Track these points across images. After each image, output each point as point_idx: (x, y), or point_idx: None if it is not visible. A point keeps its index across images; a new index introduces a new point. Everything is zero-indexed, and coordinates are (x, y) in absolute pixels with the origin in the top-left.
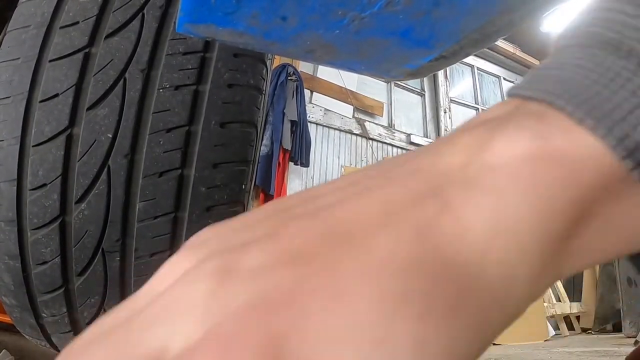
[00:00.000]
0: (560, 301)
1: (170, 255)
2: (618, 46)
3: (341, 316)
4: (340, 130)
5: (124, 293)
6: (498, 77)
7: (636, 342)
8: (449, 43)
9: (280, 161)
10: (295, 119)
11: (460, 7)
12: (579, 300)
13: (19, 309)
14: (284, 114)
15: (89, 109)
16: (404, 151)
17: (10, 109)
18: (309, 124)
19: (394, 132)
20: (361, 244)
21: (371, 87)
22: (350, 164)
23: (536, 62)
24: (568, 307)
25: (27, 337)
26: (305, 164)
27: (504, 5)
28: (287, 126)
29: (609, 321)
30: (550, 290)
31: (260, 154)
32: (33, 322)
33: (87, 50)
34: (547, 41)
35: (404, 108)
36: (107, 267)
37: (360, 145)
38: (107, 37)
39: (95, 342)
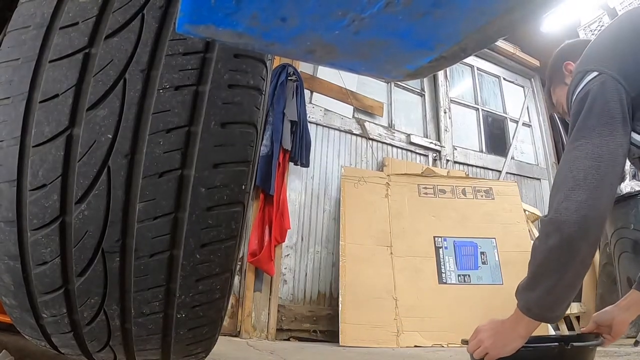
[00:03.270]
0: None
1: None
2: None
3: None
4: (340, 131)
5: (124, 293)
6: (498, 77)
7: (636, 343)
8: (449, 44)
9: (280, 161)
10: (295, 119)
11: (461, 8)
12: (578, 300)
13: (19, 310)
14: (284, 114)
15: (89, 109)
16: (404, 151)
17: (10, 109)
18: (309, 124)
19: (394, 132)
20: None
21: (371, 87)
22: (350, 164)
23: (536, 62)
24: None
25: (27, 337)
26: (305, 164)
27: (505, 5)
28: (287, 126)
29: None
30: None
31: (260, 154)
32: (33, 322)
33: (87, 50)
34: (547, 41)
35: (404, 108)
36: (107, 267)
37: (360, 145)
38: (107, 37)
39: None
